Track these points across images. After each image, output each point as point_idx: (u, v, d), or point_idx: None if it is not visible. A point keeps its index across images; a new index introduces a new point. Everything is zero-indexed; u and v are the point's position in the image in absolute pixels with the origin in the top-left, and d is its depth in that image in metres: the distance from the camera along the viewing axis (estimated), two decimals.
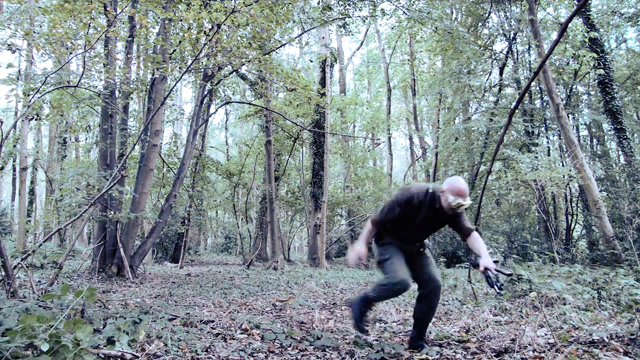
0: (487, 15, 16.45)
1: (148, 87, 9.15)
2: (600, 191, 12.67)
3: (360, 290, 3.02)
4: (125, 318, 3.08)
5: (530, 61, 16.52)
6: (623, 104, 15.00)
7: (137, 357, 2.43)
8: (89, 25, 5.72)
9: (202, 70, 8.40)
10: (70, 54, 6.13)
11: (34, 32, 6.17)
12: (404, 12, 11.93)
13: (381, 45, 23.50)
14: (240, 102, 16.61)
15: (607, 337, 2.88)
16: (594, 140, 17.95)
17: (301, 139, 17.34)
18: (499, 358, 2.77)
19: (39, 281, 6.21)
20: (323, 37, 15.63)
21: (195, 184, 13.69)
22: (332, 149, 21.08)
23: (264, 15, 6.24)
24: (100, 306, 3.88)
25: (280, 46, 10.59)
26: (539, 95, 16.48)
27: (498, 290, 2.66)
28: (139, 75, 11.40)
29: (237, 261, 16.31)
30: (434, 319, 4.26)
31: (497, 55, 17.04)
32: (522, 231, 13.97)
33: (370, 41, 27.29)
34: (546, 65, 11.78)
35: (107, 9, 6.18)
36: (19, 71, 14.87)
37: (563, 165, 12.93)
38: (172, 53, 8.58)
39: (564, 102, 15.16)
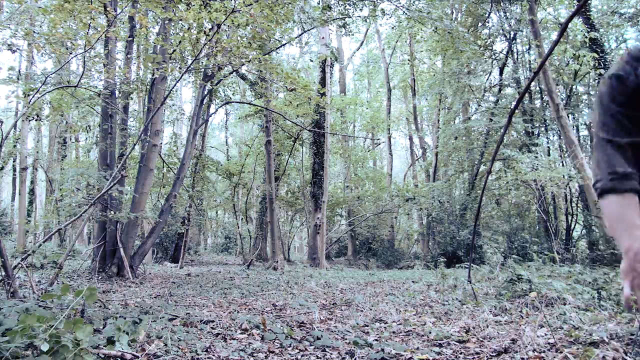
0: (487, 15, 16.45)
1: (148, 87, 9.15)
2: None
3: None
4: (125, 318, 3.08)
5: (530, 61, 16.51)
6: None
7: (137, 357, 2.43)
8: (89, 26, 5.72)
9: (202, 70, 8.40)
10: (70, 54, 6.14)
11: (34, 32, 6.17)
12: (404, 12, 11.93)
13: (381, 45, 23.50)
14: (240, 102, 16.62)
15: (607, 337, 2.88)
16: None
17: (301, 139, 17.34)
18: (499, 358, 2.77)
19: (39, 281, 6.21)
20: (323, 37, 15.63)
21: (195, 184, 13.69)
22: (332, 149, 21.07)
23: (264, 15, 6.24)
24: (100, 306, 3.87)
25: (280, 46, 10.60)
26: (539, 95, 16.47)
27: None
28: (139, 75, 11.40)
29: (237, 261, 16.31)
30: (433, 319, 4.26)
31: (497, 55, 17.04)
32: (522, 231, 13.96)
33: (370, 41, 27.29)
34: (546, 65, 11.78)
35: (107, 9, 6.18)
36: (19, 71, 14.86)
37: (563, 165, 12.92)
38: (172, 53, 8.58)
39: (564, 102, 15.16)
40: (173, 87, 6.08)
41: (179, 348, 2.81)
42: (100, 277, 7.20)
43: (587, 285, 5.02)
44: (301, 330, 3.73)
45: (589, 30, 12.58)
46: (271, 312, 4.67)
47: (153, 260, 13.86)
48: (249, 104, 14.19)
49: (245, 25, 6.57)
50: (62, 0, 5.59)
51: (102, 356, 2.32)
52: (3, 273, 4.05)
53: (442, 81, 16.79)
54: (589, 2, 13.23)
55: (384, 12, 11.71)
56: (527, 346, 2.92)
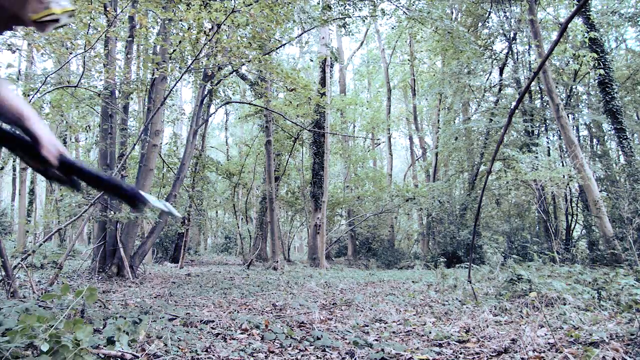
0: (487, 15, 16.46)
1: (148, 87, 9.15)
2: (600, 191, 12.67)
3: None
4: (125, 318, 3.08)
5: (530, 61, 16.52)
6: (623, 104, 15.01)
7: (137, 357, 2.43)
8: (89, 26, 5.72)
9: (202, 70, 8.40)
10: (70, 54, 6.14)
11: (34, 32, 6.17)
12: (404, 12, 11.93)
13: (381, 45, 23.50)
14: (240, 102, 16.62)
15: (607, 337, 2.88)
16: (594, 140, 17.97)
17: (301, 139, 17.34)
18: (499, 358, 2.77)
19: (39, 281, 6.21)
20: (323, 37, 15.64)
21: (195, 184, 13.69)
22: (332, 149, 21.07)
23: (264, 15, 6.24)
24: (100, 306, 3.88)
25: (280, 46, 10.59)
26: (539, 95, 16.47)
27: None
28: (139, 75, 11.39)
29: (237, 261, 16.30)
30: (433, 319, 4.26)
31: (497, 55, 17.04)
32: (522, 231, 13.97)
33: (370, 41, 27.29)
34: (546, 65, 11.78)
35: (107, 9, 6.18)
36: (19, 71, 14.86)
37: (563, 165, 12.93)
38: (172, 53, 8.58)
39: (564, 102, 15.16)
40: (173, 87, 6.08)
41: (179, 348, 2.81)
42: (100, 277, 7.20)
43: (587, 285, 5.02)
44: (301, 330, 3.73)
45: (589, 30, 12.58)
46: (271, 312, 4.66)
47: (153, 260, 13.86)
48: (249, 104, 14.20)
49: (245, 25, 6.57)
50: None
51: (102, 356, 2.32)
52: (3, 273, 4.05)
53: (442, 81, 16.81)
54: (589, 2, 13.22)
55: (384, 12, 11.72)
56: (527, 346, 2.92)
